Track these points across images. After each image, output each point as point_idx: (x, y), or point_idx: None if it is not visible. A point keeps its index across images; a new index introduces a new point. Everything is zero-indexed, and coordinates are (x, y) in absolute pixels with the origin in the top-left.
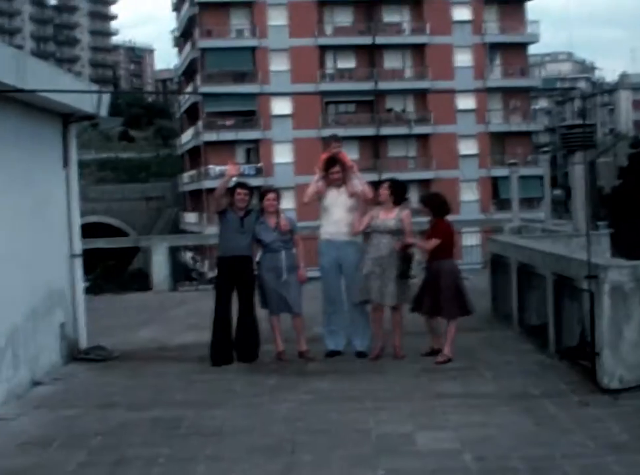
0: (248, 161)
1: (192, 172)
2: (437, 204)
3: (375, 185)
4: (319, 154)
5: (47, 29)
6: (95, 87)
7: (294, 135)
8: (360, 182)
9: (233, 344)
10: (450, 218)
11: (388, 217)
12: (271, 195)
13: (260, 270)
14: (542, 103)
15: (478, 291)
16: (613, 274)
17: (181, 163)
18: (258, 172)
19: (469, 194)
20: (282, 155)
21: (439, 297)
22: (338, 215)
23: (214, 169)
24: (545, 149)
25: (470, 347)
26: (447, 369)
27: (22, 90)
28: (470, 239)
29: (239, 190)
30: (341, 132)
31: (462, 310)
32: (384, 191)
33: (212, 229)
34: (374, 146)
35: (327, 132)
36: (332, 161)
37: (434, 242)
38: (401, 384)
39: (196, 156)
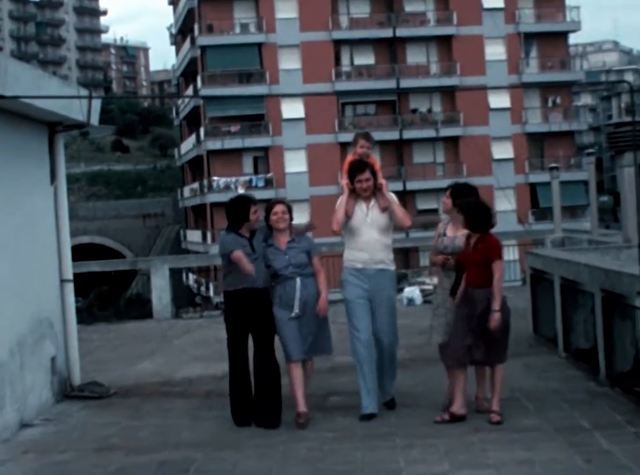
0: (256, 171)
1: (195, 185)
2: (481, 216)
3: (401, 194)
4: (336, 161)
5: (29, 28)
6: (84, 92)
7: (308, 141)
8: (396, 205)
9: (252, 403)
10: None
11: (457, 233)
12: (279, 208)
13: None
14: (585, 99)
15: (518, 312)
16: None
17: (181, 175)
18: (268, 183)
19: (505, 204)
20: (295, 163)
21: (487, 340)
22: (368, 236)
23: (219, 181)
24: (590, 151)
25: (510, 374)
26: (485, 399)
27: (2, 97)
28: (507, 254)
29: (253, 208)
30: None
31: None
32: (447, 200)
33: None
34: (397, 151)
35: (344, 136)
36: (360, 165)
37: (498, 269)
38: (434, 418)
39: (198, 166)
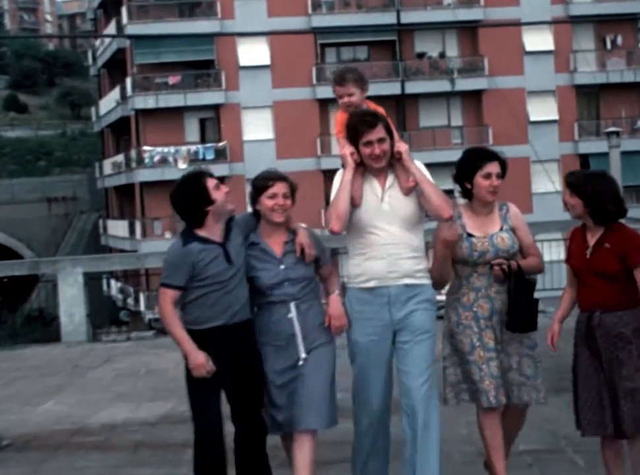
0: (203, 139)
1: (119, 158)
2: (613, 198)
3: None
4: (314, 125)
5: None
6: None
7: (275, 97)
8: (427, 183)
9: None
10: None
11: (491, 230)
12: (280, 188)
13: None
14: None
15: (564, 333)
16: None
17: (100, 144)
18: (220, 155)
19: (546, 183)
20: (257, 128)
21: (618, 399)
22: (386, 233)
23: (152, 152)
24: None
25: (554, 417)
26: (518, 451)
27: None
28: (549, 252)
29: (211, 181)
30: None
31: None
32: (485, 182)
33: (151, 245)
34: (398, 110)
35: (325, 91)
36: (368, 119)
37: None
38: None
39: (124, 132)
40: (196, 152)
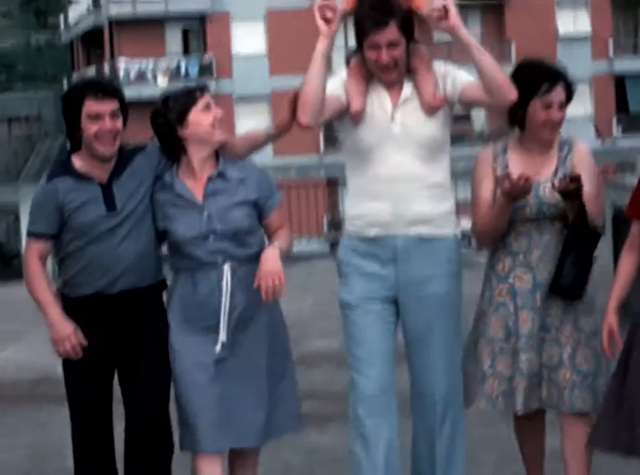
0: (187, 51)
1: (90, 72)
2: None
3: None
4: (311, 37)
5: None
6: None
7: (269, 5)
8: (480, 47)
9: None
10: None
11: (540, 175)
12: (209, 95)
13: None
14: None
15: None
16: None
17: (69, 57)
18: (205, 71)
19: (576, 106)
20: (247, 41)
21: None
22: (395, 166)
23: (129, 66)
24: None
25: None
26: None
27: None
28: None
29: (92, 101)
30: None
31: None
32: (543, 113)
33: None
34: None
35: None
36: (376, 12)
37: None
38: None
39: (96, 44)
40: (178, 67)
